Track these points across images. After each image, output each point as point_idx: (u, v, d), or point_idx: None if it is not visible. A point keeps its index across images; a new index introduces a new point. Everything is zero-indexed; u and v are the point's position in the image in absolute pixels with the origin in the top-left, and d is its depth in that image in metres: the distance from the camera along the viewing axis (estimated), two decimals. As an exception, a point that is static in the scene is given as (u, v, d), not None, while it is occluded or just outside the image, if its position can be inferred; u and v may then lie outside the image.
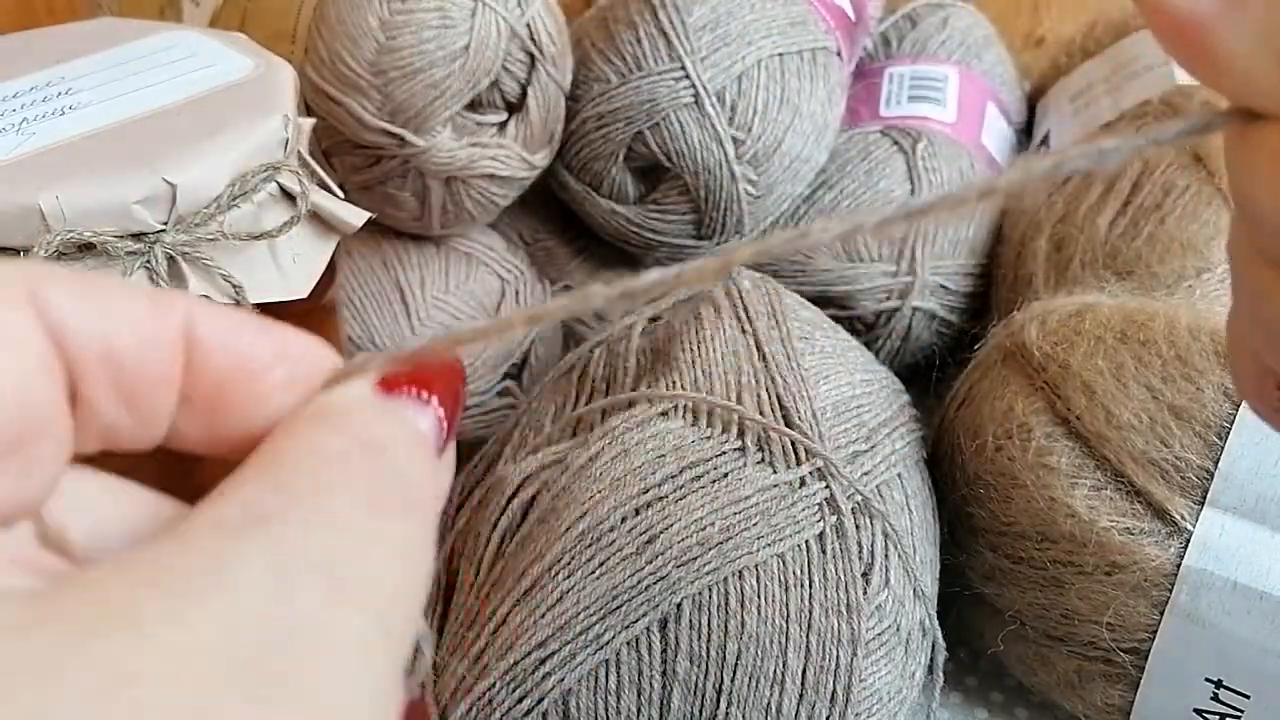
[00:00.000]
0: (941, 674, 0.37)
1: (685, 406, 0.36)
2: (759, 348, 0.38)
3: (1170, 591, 0.34)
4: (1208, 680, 0.34)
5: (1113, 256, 0.44)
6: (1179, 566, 0.34)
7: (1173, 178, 0.45)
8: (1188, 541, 0.33)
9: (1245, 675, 0.34)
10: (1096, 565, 0.35)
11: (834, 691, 0.32)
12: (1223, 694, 0.34)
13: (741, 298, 0.40)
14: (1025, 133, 0.62)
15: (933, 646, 0.36)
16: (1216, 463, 0.33)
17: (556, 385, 0.41)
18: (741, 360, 0.37)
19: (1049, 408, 0.37)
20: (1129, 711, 0.36)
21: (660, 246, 0.51)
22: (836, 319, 0.45)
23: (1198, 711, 0.35)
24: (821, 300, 0.49)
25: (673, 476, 0.34)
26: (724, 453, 0.35)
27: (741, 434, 0.35)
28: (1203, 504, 0.34)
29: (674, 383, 0.37)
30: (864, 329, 0.51)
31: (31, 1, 0.67)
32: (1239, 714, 0.34)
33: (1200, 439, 0.34)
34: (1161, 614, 0.34)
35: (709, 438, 0.35)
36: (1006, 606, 0.38)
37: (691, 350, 0.38)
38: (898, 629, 0.34)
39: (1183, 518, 0.33)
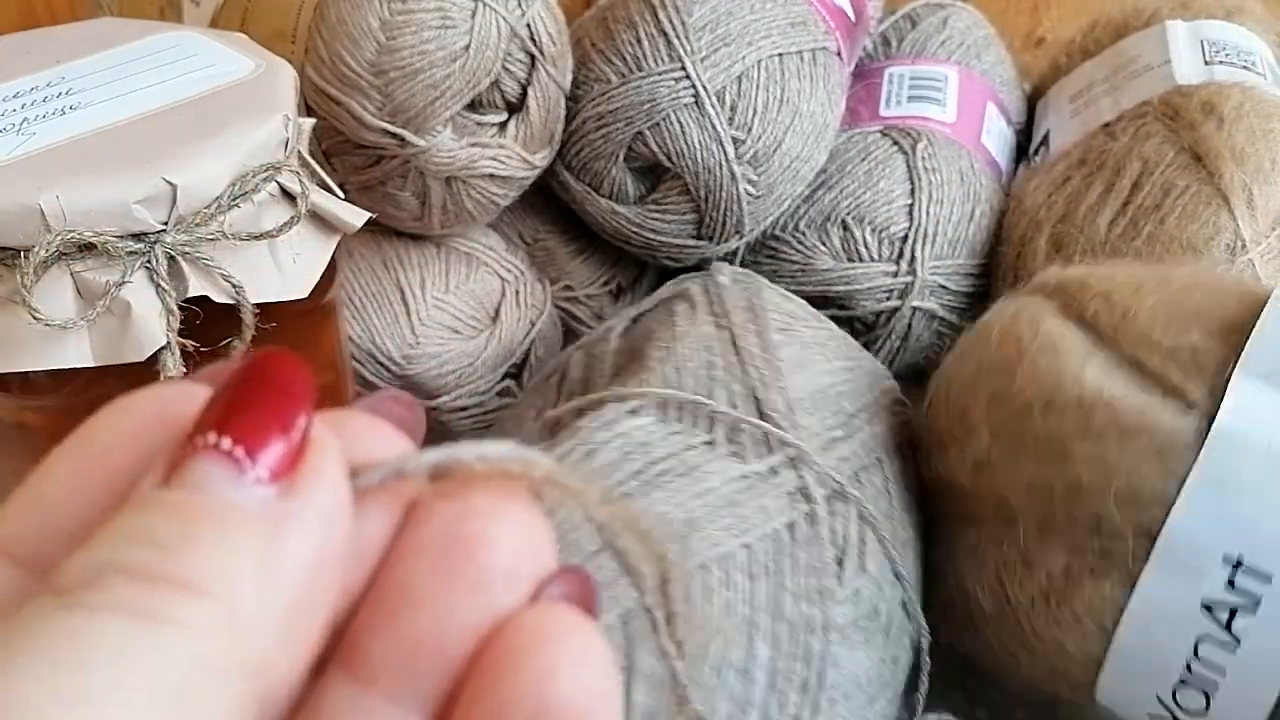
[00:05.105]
0: (929, 658, 0.36)
1: (654, 403, 0.36)
2: (734, 341, 0.38)
3: (1194, 456, 0.31)
4: (1225, 560, 0.31)
5: (1113, 256, 0.45)
6: (1203, 431, 0.31)
7: (1172, 178, 0.45)
8: (1216, 407, 0.31)
9: (1271, 550, 0.30)
10: (1106, 428, 0.32)
11: (805, 679, 0.32)
12: (1239, 578, 0.30)
13: (719, 293, 0.40)
14: (1025, 133, 0.62)
15: (918, 630, 0.36)
16: (1238, 353, 0.31)
17: (538, 389, 0.41)
18: (715, 354, 0.37)
19: (1063, 309, 0.35)
20: (1111, 634, 0.32)
21: (661, 246, 0.51)
22: (836, 319, 0.45)
23: (1206, 607, 0.31)
24: (821, 300, 0.49)
25: (638, 473, 0.33)
26: (692, 447, 0.34)
27: (711, 427, 0.35)
28: (1229, 378, 0.31)
29: (644, 380, 0.36)
30: (864, 329, 0.51)
31: (31, 1, 0.67)
32: (1257, 600, 0.30)
33: (1220, 339, 0.32)
34: (1180, 485, 0.31)
35: (678, 433, 0.35)
36: (995, 502, 0.35)
37: (664, 347, 0.38)
38: (877, 614, 0.34)
39: (1204, 392, 0.31)
